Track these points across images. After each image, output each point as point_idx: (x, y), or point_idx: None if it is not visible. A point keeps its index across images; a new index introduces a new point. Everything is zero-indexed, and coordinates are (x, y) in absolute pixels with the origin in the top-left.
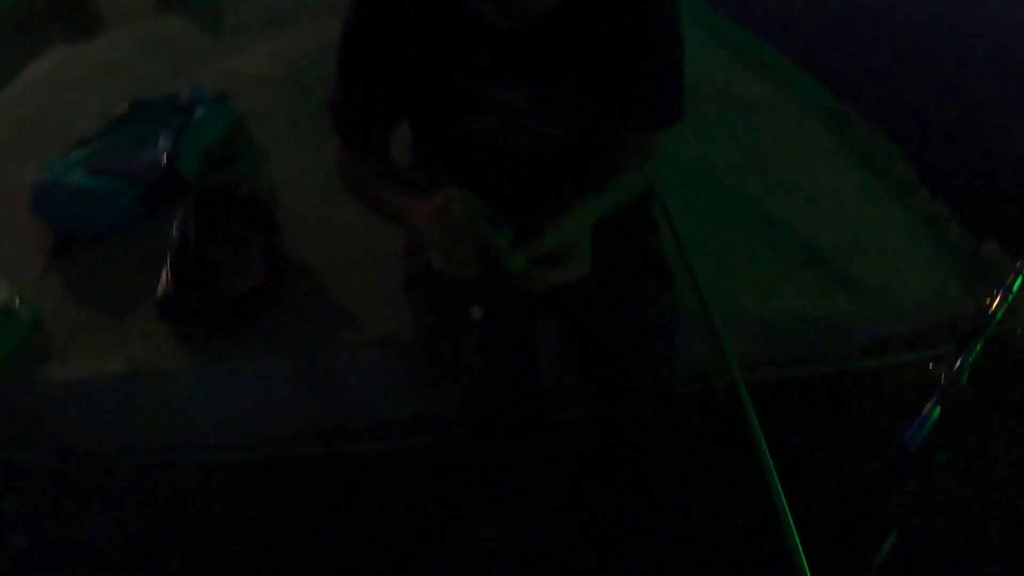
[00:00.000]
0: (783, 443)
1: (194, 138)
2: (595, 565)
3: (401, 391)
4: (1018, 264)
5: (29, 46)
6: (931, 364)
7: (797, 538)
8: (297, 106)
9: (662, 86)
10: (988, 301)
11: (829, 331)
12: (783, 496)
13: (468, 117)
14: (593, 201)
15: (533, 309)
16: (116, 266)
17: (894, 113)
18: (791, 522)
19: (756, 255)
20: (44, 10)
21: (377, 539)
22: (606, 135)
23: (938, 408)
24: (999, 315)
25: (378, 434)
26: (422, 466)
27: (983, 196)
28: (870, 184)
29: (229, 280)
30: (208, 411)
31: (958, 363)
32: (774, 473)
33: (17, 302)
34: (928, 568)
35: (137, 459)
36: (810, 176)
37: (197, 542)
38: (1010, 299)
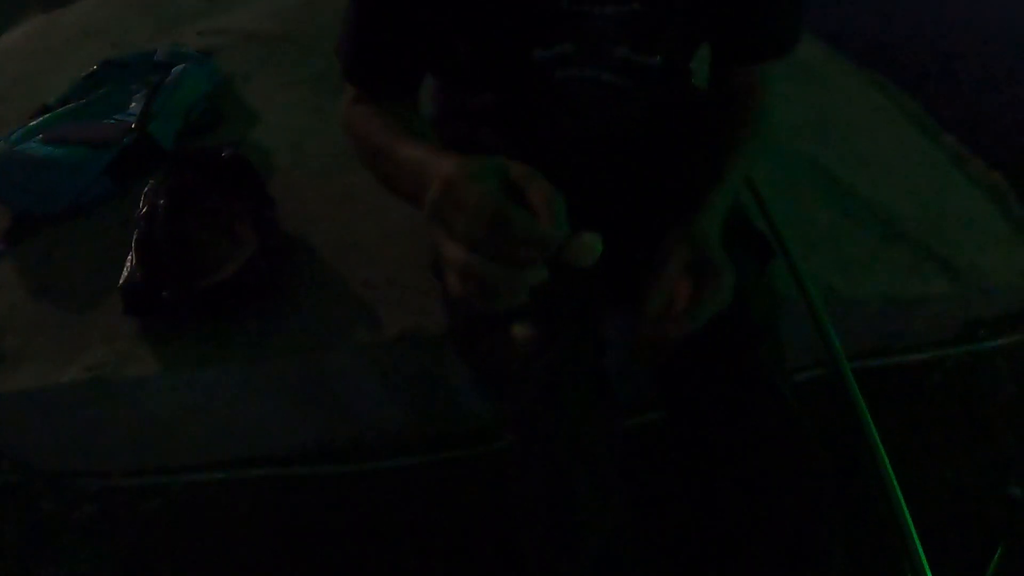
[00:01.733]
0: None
1: (171, 99)
2: None
3: (429, 399)
4: None
5: (1, 16)
6: None
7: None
8: (293, 64)
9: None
10: None
11: (920, 315)
12: (907, 510)
13: (538, 45)
14: (730, 183)
15: (600, 296)
16: (79, 250)
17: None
18: (914, 532)
19: (838, 229)
20: None
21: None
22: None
23: None
24: None
25: (400, 449)
26: (458, 486)
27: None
28: (930, 150)
29: (210, 264)
30: (191, 426)
31: None
32: (894, 480)
33: None
34: None
35: (111, 483)
36: (873, 140)
37: None
38: None
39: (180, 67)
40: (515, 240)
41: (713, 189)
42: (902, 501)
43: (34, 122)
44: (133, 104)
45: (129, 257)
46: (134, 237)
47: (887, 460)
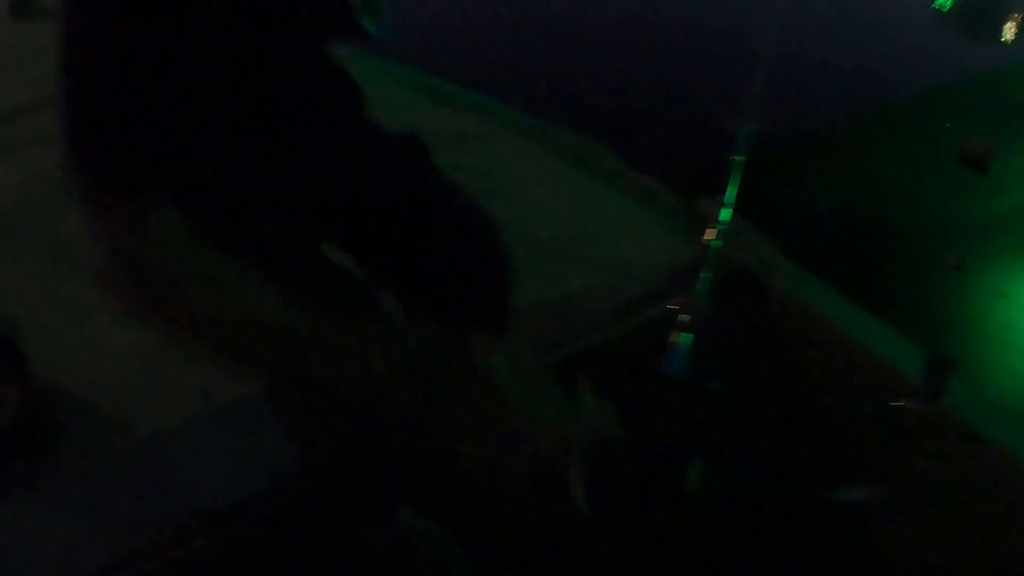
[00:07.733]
0: None
1: None
2: None
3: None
4: (719, 199)
5: None
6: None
7: None
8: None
9: None
10: (704, 237)
11: (583, 309)
12: None
13: None
14: None
15: None
16: None
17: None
18: None
19: None
20: None
21: None
22: None
23: (688, 336)
24: (716, 243)
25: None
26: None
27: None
28: (579, 179)
29: None
30: None
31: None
32: None
33: None
34: None
35: None
36: (533, 184)
37: None
38: (721, 227)
39: None
40: None
41: None
42: None
43: None
44: None
45: None
46: None
47: None
